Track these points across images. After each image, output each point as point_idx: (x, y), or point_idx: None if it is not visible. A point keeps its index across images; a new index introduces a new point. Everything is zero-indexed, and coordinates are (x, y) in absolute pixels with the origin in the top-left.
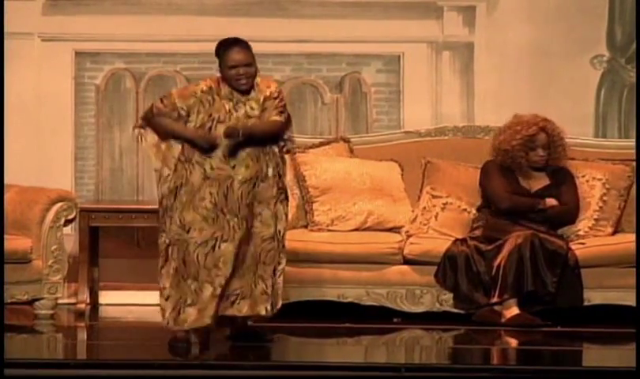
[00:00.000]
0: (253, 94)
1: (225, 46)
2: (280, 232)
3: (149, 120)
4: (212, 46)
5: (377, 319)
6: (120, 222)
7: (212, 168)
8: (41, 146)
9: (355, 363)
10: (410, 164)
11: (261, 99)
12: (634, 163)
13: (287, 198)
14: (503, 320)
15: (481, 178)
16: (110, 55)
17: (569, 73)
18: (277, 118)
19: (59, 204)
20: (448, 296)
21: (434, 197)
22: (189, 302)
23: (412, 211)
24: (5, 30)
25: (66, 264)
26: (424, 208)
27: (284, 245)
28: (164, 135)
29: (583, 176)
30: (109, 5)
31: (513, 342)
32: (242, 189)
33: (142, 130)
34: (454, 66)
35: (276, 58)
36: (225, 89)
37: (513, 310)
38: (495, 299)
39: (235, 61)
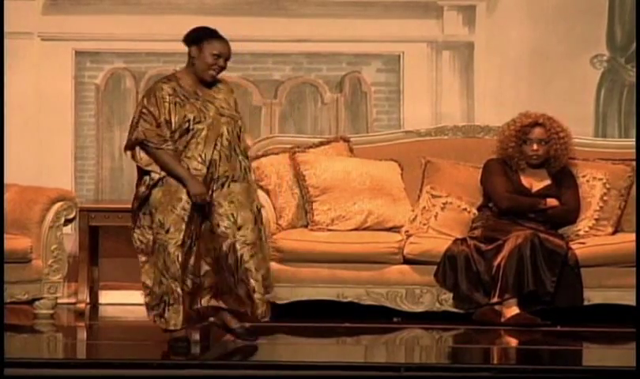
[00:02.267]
0: (217, 94)
1: (209, 34)
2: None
3: (147, 149)
4: None
5: (377, 319)
6: (120, 221)
7: (189, 170)
8: (41, 145)
9: (355, 363)
10: (410, 164)
11: (232, 101)
12: (634, 163)
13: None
14: (503, 319)
15: (482, 176)
16: (110, 55)
17: (569, 73)
18: (248, 140)
19: (59, 204)
20: (448, 296)
21: (433, 196)
22: (170, 301)
23: (412, 210)
24: (5, 30)
25: (66, 263)
26: (424, 207)
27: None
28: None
29: (584, 176)
30: (109, 4)
31: (513, 341)
32: (214, 187)
33: (134, 150)
34: (454, 66)
35: (275, 57)
36: (187, 86)
37: (513, 310)
38: (495, 299)
39: (219, 51)
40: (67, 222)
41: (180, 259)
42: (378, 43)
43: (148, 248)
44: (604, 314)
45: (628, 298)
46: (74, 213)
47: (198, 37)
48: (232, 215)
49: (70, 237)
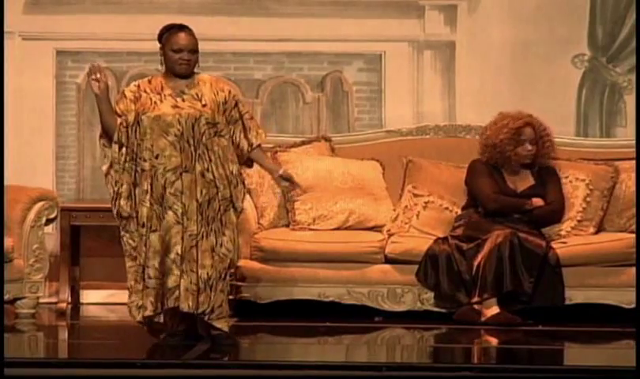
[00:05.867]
0: (188, 89)
1: (167, 30)
2: (230, 240)
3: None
4: None
5: (358, 318)
6: (101, 221)
7: (144, 160)
8: (22, 145)
9: (337, 362)
10: (391, 163)
11: (209, 97)
12: (617, 163)
13: (234, 208)
14: (483, 318)
15: (468, 176)
16: (91, 54)
17: (550, 72)
18: (255, 140)
19: (40, 203)
20: (429, 295)
21: (415, 195)
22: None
23: (394, 210)
24: None
25: (47, 263)
26: (406, 206)
27: (229, 250)
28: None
29: (566, 177)
30: (90, 4)
31: (494, 341)
32: (165, 178)
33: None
34: (436, 65)
35: (257, 56)
36: (156, 83)
37: (493, 309)
38: (475, 298)
39: (180, 45)
40: (48, 221)
41: (154, 243)
42: (360, 43)
43: (133, 251)
44: (586, 314)
45: (609, 298)
46: (55, 213)
47: (160, 37)
48: (183, 204)
49: (52, 236)
